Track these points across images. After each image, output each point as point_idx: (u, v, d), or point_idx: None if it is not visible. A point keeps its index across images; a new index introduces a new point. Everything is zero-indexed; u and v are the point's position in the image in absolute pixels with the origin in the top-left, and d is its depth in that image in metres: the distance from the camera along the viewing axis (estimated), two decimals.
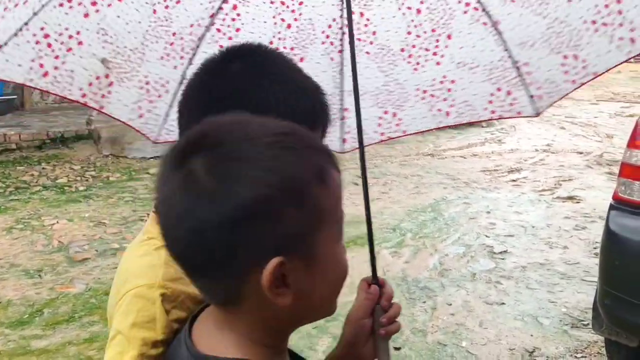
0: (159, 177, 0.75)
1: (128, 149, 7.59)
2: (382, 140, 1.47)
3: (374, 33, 1.40)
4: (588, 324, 3.41)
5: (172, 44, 1.30)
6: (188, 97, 0.99)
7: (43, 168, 7.11)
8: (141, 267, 0.94)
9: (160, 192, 0.73)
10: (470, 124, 10.28)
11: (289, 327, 0.80)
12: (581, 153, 8.08)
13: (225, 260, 0.69)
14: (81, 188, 6.34)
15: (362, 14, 1.37)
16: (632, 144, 2.31)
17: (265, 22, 1.32)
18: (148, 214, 5.33)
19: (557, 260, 4.37)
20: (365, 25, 1.39)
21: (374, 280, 1.10)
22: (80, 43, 1.22)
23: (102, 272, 4.20)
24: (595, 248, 4.71)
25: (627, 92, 15.00)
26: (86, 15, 1.20)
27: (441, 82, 1.46)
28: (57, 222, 5.27)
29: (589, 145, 8.57)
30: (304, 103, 0.95)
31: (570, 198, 6.11)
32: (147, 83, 1.32)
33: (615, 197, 2.36)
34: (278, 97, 0.93)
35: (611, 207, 2.38)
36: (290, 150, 0.71)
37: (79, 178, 6.73)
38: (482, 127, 10.23)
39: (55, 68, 1.21)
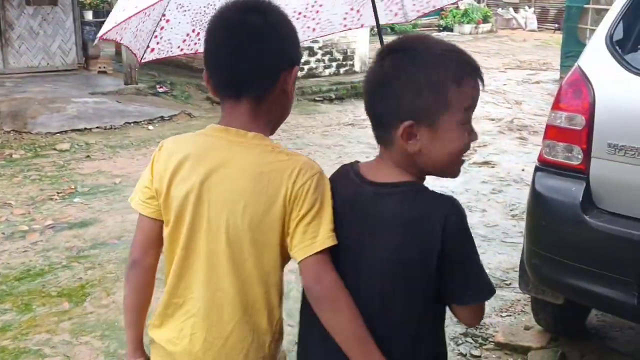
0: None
1: (31, 124, 7.08)
2: None
3: None
4: (510, 283, 3.53)
5: None
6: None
7: None
8: (298, 160, 1.26)
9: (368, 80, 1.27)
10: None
11: (423, 170, 1.25)
12: (493, 120, 8.35)
13: (391, 119, 1.19)
14: None
15: None
16: (556, 106, 2.34)
17: None
18: (58, 193, 4.90)
19: (477, 223, 4.49)
20: None
21: None
22: (167, 21, 1.91)
23: (11, 256, 3.90)
24: (512, 210, 4.90)
25: (532, 59, 15.69)
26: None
27: (312, 6, 2.12)
28: None
29: (499, 112, 8.88)
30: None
31: (486, 163, 6.30)
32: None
33: (540, 159, 2.41)
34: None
35: (536, 169, 2.42)
36: (447, 60, 1.18)
37: None
38: None
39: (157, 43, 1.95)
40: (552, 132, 2.35)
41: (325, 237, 1.21)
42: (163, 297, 1.34)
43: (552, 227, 2.33)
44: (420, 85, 1.16)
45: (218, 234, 1.25)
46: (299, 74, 8.13)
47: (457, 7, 19.91)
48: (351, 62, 10.79)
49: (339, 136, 7.41)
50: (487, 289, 1.21)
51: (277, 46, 1.27)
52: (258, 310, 1.28)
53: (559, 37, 22.02)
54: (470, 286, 1.20)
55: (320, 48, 10.32)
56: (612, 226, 2.19)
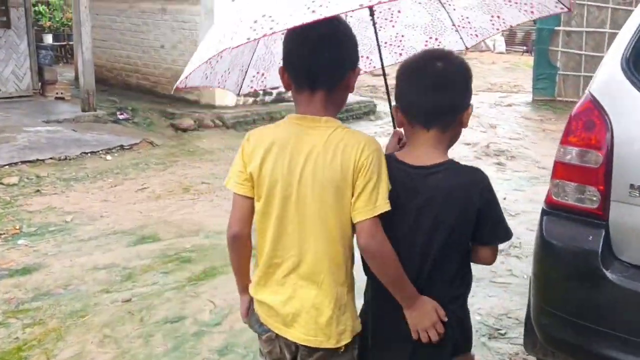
0: (404, 77, 1.68)
1: None
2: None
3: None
4: (506, 332, 3.18)
5: None
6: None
7: None
8: (362, 138, 1.56)
9: (410, 84, 1.67)
10: (360, 118, 10.10)
11: (449, 146, 1.70)
12: (469, 144, 8.09)
13: (458, 105, 1.65)
14: None
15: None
16: (565, 140, 2.01)
17: None
18: (1, 234, 4.21)
19: None
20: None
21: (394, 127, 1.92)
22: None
23: None
24: None
25: (503, 82, 15.65)
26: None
27: (395, 37, 2.38)
28: None
29: (475, 136, 8.63)
30: None
31: None
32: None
33: (549, 201, 2.06)
34: None
35: (544, 213, 2.08)
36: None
37: None
38: (371, 120, 10.09)
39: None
40: (562, 170, 2.01)
41: (382, 204, 1.51)
42: (262, 260, 1.64)
43: (565, 282, 1.98)
44: (468, 82, 1.68)
45: (306, 202, 1.55)
46: (268, 98, 7.76)
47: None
48: None
49: None
50: (508, 232, 1.66)
51: (346, 50, 1.61)
52: (338, 264, 1.59)
53: (527, 59, 22.27)
54: (497, 231, 1.65)
55: None
56: (636, 282, 1.85)
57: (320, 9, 1.33)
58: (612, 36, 11.58)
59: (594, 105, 1.96)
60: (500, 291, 3.70)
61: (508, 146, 8.16)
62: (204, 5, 9.07)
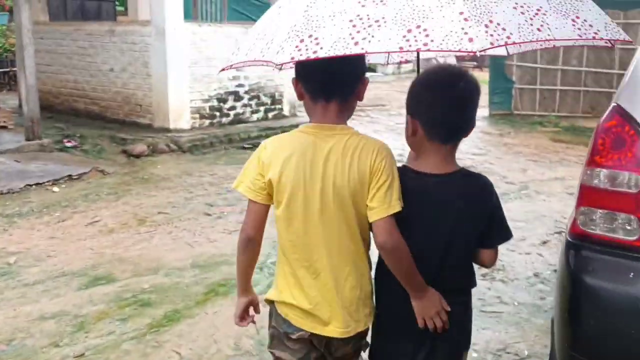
0: (427, 93, 1.73)
1: None
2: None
3: None
4: None
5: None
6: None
7: None
8: (375, 143, 1.71)
9: (434, 101, 1.71)
10: None
11: None
12: None
13: (470, 124, 1.76)
14: None
15: None
16: (591, 161, 1.74)
17: None
18: None
19: None
20: None
21: None
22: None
23: None
24: (480, 267, 4.31)
25: None
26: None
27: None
28: None
29: None
30: None
31: None
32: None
33: (575, 231, 1.79)
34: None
35: (569, 245, 1.80)
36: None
37: None
38: None
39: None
40: (590, 196, 1.74)
41: (395, 204, 1.66)
42: (289, 265, 1.77)
43: (601, 327, 1.69)
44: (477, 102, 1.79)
45: (328, 205, 1.69)
46: (225, 120, 7.36)
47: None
48: (280, 106, 10.18)
49: None
50: (510, 233, 1.82)
51: (356, 64, 1.73)
52: (361, 258, 1.77)
53: (479, 74, 22.57)
54: (501, 233, 1.80)
55: (246, 92, 9.65)
56: None
57: (363, 42, 1.43)
58: (567, 50, 11.67)
59: (624, 119, 1.70)
60: (492, 322, 3.43)
61: (473, 162, 8.02)
62: (155, 26, 8.66)
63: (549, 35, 1.58)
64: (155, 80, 8.84)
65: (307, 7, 1.57)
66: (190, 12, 11.96)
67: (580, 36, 1.60)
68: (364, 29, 1.47)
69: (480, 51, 1.42)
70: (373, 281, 1.84)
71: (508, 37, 1.49)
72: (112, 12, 12.80)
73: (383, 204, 1.65)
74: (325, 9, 1.55)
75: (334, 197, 1.68)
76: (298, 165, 1.68)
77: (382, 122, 11.70)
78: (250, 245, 1.81)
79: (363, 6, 1.52)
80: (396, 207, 1.65)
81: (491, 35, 1.47)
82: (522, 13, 1.58)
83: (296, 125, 9.69)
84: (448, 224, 1.71)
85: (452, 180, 1.74)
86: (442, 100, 1.71)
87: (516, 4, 1.56)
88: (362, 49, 1.43)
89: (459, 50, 1.42)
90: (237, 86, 9.51)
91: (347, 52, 1.42)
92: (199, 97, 9.04)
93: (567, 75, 11.61)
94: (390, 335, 1.82)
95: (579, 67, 11.47)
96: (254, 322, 1.95)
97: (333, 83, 1.70)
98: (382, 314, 1.83)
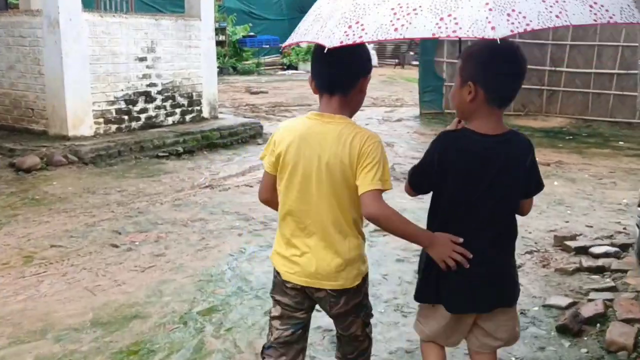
0: (492, 63, 1.98)
1: None
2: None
3: None
4: None
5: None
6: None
7: None
8: (366, 133, 1.98)
9: (499, 71, 1.97)
10: (246, 142, 8.85)
11: None
12: None
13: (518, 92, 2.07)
14: None
15: None
16: None
17: None
18: None
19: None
20: None
21: None
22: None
23: None
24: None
25: (384, 96, 15.17)
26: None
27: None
28: None
29: None
30: None
31: None
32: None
33: None
34: None
35: None
36: None
37: None
38: (258, 143, 8.90)
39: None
40: None
41: (377, 181, 1.92)
42: (287, 229, 2.09)
43: None
44: None
45: (322, 180, 1.99)
46: (136, 124, 6.20)
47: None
48: (198, 108, 9.10)
49: (197, 205, 5.68)
50: (542, 184, 2.14)
51: (358, 63, 2.04)
52: (349, 225, 2.04)
53: (401, 72, 22.35)
54: (538, 185, 2.13)
55: (159, 92, 8.51)
56: None
57: (402, 28, 1.74)
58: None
59: None
60: None
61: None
62: (47, 16, 7.38)
63: (566, 21, 1.76)
64: (48, 80, 7.54)
65: None
66: (92, 1, 10.63)
67: (596, 21, 1.82)
68: (403, 16, 1.74)
69: (501, 38, 1.67)
70: (365, 247, 2.13)
71: (527, 25, 1.71)
72: (3, 3, 11.21)
73: (367, 180, 1.91)
74: None
75: (327, 174, 1.98)
76: (299, 146, 2.00)
77: None
78: (269, 204, 2.21)
79: None
80: (377, 184, 1.91)
81: (512, 23, 1.70)
82: (543, 1, 1.77)
83: (218, 129, 8.59)
84: (509, 176, 2.01)
85: (508, 139, 2.02)
86: (508, 71, 1.98)
87: None
88: (401, 34, 1.74)
89: (482, 38, 1.68)
90: (148, 86, 8.36)
91: (388, 37, 1.77)
92: (103, 98, 7.82)
93: None
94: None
95: None
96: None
97: (335, 81, 2.01)
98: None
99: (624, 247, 4.47)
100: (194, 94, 8.96)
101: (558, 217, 5.49)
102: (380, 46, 22.90)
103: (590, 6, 1.80)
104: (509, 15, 1.69)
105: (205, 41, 8.93)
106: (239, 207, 5.59)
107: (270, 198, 2.17)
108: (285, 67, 19.77)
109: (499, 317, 2.11)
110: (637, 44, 9.39)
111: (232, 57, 18.72)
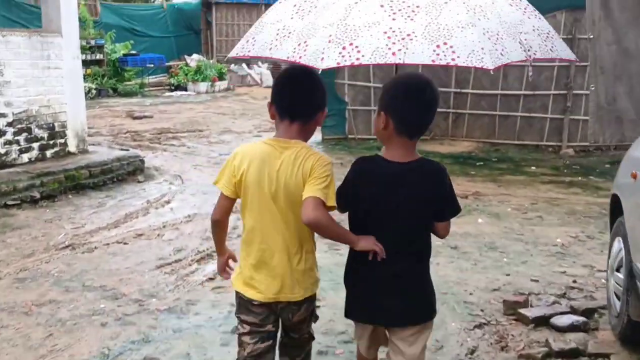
0: (402, 95, 2.16)
1: None
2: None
3: None
4: None
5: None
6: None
7: None
8: (319, 155, 2.18)
9: (409, 103, 2.14)
10: (123, 180, 7.46)
11: None
12: None
13: (432, 122, 2.23)
14: None
15: None
16: None
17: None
18: None
19: None
20: None
21: None
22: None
23: None
24: None
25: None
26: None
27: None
28: None
29: None
30: None
31: None
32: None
33: None
34: None
35: None
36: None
37: None
38: (139, 181, 7.54)
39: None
40: None
41: (321, 191, 2.09)
42: (251, 249, 2.25)
43: None
44: None
45: (280, 200, 2.17)
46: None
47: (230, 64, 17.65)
48: (62, 141, 7.56)
49: (48, 278, 4.29)
50: (459, 208, 2.27)
51: (318, 96, 2.24)
52: (307, 240, 2.24)
53: None
54: (453, 210, 2.26)
55: (10, 124, 6.91)
56: None
57: (399, 53, 2.01)
58: (401, 67, 10.79)
59: None
60: None
61: None
62: None
63: (400, 59, 2.09)
64: None
65: (343, 16, 2.15)
66: None
67: (434, 61, 2.13)
68: (398, 41, 2.05)
69: (495, 69, 2.09)
70: (316, 257, 2.32)
71: (357, 59, 2.08)
72: None
73: (309, 189, 2.10)
74: (359, 19, 2.11)
75: (284, 193, 2.17)
76: (258, 169, 2.18)
77: (202, 152, 9.61)
78: (219, 225, 2.38)
79: (394, 19, 2.10)
80: (322, 195, 2.08)
81: (343, 56, 2.09)
82: (389, 37, 2.09)
83: (86, 166, 7.04)
84: (413, 200, 2.16)
85: (419, 165, 2.19)
86: (413, 104, 2.13)
87: (519, 34, 2.30)
88: (400, 59, 2.05)
89: (482, 68, 2.08)
90: None
91: (386, 61, 2.08)
92: None
93: None
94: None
95: None
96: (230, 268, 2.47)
97: (297, 109, 2.20)
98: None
99: (588, 314, 3.71)
100: (56, 124, 7.43)
101: (495, 267, 4.71)
102: (275, 66, 21.95)
103: (437, 46, 2.10)
104: (343, 48, 2.09)
105: (68, 61, 7.45)
106: (106, 279, 4.29)
107: (221, 219, 2.35)
108: (173, 87, 18.22)
109: (406, 333, 2.25)
110: (542, 64, 9.09)
111: (112, 78, 16.88)
